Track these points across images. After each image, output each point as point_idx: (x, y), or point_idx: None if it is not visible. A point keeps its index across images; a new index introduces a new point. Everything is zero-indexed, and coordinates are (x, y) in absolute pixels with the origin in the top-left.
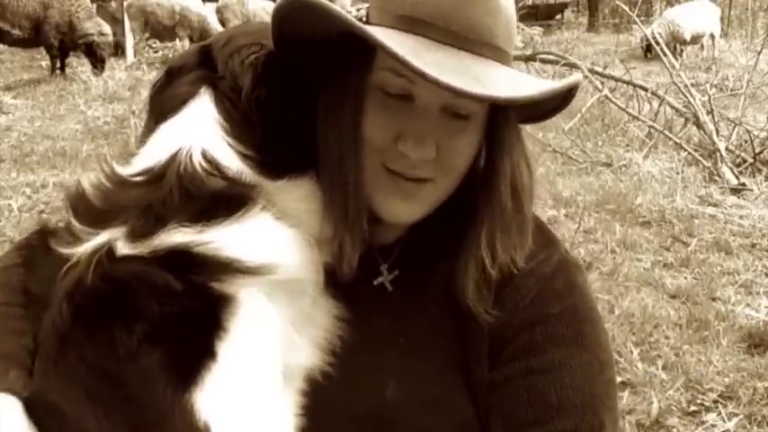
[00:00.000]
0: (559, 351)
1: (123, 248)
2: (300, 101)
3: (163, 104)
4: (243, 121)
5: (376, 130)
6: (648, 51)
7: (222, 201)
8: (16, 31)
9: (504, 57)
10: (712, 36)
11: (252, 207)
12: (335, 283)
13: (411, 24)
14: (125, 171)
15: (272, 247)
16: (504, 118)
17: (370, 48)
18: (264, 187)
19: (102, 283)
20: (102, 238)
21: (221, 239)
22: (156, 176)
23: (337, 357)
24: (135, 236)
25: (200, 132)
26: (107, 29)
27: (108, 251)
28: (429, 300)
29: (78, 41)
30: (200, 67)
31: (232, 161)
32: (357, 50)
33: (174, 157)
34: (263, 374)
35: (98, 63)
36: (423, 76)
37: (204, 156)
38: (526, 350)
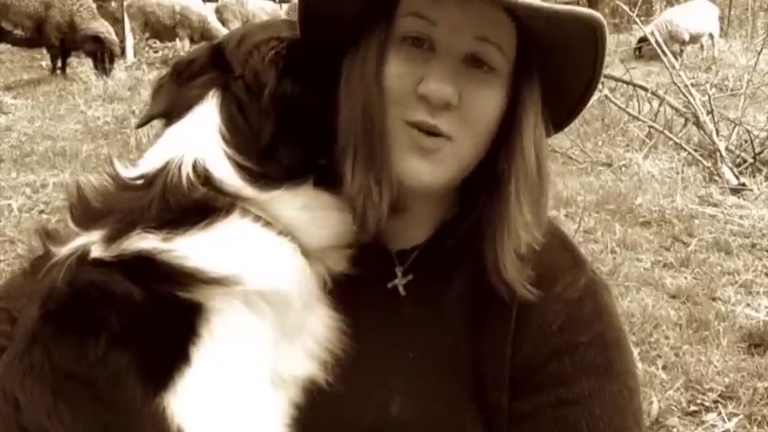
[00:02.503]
0: (589, 381)
1: (95, 251)
2: (323, 92)
3: (173, 106)
4: (247, 128)
5: (398, 79)
6: (638, 50)
7: (193, 210)
8: (18, 31)
9: None
10: (711, 36)
11: (222, 216)
12: (348, 287)
13: None
14: (127, 173)
15: (242, 258)
16: (527, 77)
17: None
18: (257, 198)
19: (68, 288)
20: (81, 240)
21: (184, 248)
22: (147, 183)
23: (342, 366)
24: (108, 239)
25: (197, 141)
26: (112, 30)
27: (80, 255)
28: (443, 315)
29: (88, 39)
30: (212, 68)
31: (225, 172)
32: (379, 7)
33: (165, 166)
34: (243, 379)
35: (107, 63)
36: None
37: (194, 167)
38: (555, 380)
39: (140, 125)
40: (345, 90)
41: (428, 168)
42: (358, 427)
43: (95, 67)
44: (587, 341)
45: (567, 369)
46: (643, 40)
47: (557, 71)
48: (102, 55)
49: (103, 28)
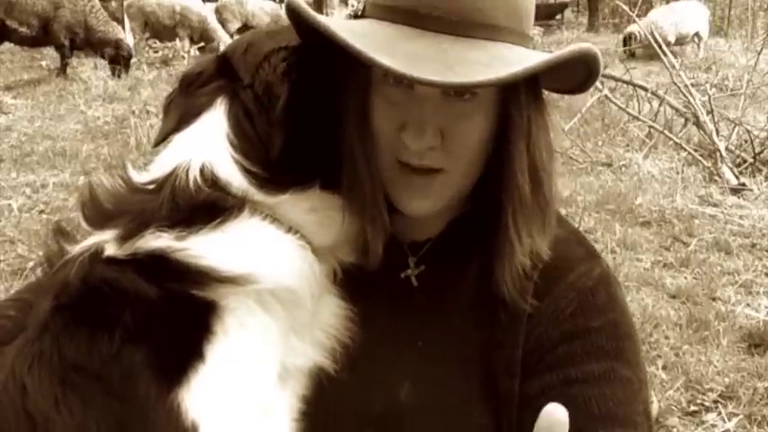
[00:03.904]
0: (599, 364)
1: (109, 250)
2: (333, 101)
3: (182, 114)
4: (254, 134)
5: (382, 123)
6: (629, 51)
7: (203, 210)
8: (24, 29)
9: (503, 34)
10: (698, 36)
11: (233, 216)
12: (360, 274)
13: (396, 14)
14: (139, 179)
15: (254, 257)
16: (513, 97)
17: None
18: (264, 202)
19: (80, 284)
20: (94, 239)
21: (198, 247)
22: (158, 187)
23: (351, 354)
24: (122, 238)
25: (205, 147)
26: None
27: (93, 253)
28: (454, 306)
29: (107, 43)
30: (220, 76)
31: (232, 176)
32: None
33: (174, 170)
34: (255, 376)
35: (124, 66)
36: (387, 70)
37: (202, 171)
38: (565, 361)
39: (157, 144)
40: (340, 130)
41: (425, 201)
42: (366, 413)
43: (111, 70)
44: (599, 326)
45: (578, 351)
46: (627, 39)
47: (546, 79)
48: (119, 59)
49: (122, 34)
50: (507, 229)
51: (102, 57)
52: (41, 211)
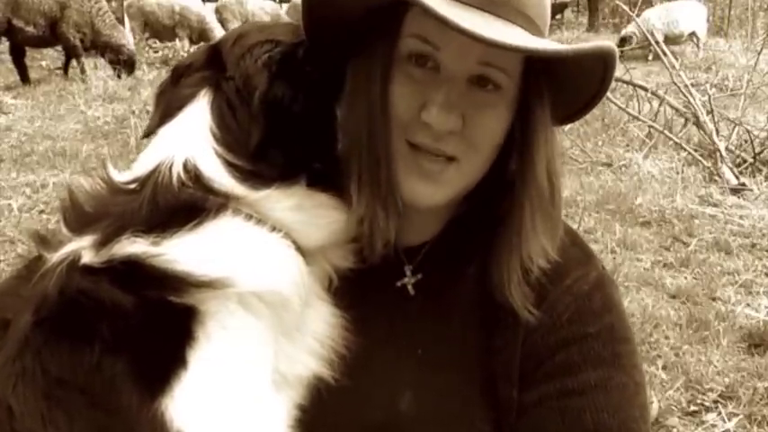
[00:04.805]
0: (596, 372)
1: (86, 257)
2: (316, 98)
3: (166, 106)
4: (237, 127)
5: (402, 101)
6: (621, 50)
7: (181, 211)
8: (30, 29)
9: (534, 28)
10: (695, 36)
11: (211, 217)
12: (356, 283)
13: None
14: (121, 178)
15: (233, 259)
16: (536, 96)
17: (397, 15)
18: (248, 197)
19: (58, 296)
20: (72, 245)
21: (173, 252)
22: (140, 186)
23: (348, 364)
24: (99, 244)
25: (188, 141)
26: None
27: (70, 261)
28: (452, 312)
29: (110, 47)
30: (208, 67)
31: (216, 171)
32: (384, 20)
33: (156, 167)
34: (243, 380)
35: (126, 69)
36: (445, 21)
37: (185, 166)
38: (562, 370)
39: (146, 135)
40: (349, 102)
41: (433, 190)
42: (366, 422)
43: (115, 72)
44: (595, 332)
45: (575, 358)
46: (623, 40)
47: (562, 84)
48: (119, 62)
49: (125, 39)
50: (522, 224)
51: (103, 57)
52: (41, 211)
